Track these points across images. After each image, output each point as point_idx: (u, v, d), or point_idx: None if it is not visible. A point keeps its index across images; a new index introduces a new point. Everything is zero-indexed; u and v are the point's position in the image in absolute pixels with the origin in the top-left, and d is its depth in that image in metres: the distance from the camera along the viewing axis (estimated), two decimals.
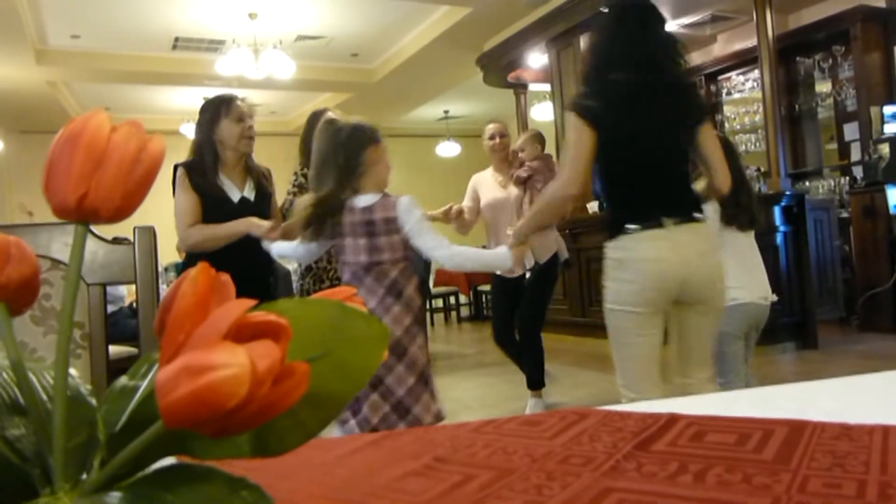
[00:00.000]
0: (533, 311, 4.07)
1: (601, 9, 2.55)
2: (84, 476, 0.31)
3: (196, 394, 0.24)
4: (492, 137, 4.09)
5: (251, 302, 0.27)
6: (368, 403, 2.29)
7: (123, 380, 0.35)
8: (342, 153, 2.34)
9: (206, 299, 0.27)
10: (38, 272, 0.34)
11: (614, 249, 2.25)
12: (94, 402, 0.34)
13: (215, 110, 2.80)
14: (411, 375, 2.32)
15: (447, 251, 2.36)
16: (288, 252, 2.65)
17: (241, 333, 0.26)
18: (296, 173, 3.33)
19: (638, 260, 2.19)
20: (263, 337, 0.27)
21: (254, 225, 2.65)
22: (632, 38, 2.26)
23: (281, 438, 0.31)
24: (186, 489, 0.29)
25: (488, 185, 4.11)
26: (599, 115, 2.19)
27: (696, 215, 2.24)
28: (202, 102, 2.94)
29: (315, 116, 3.25)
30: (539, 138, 4.25)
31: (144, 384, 0.33)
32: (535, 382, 4.10)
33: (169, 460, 0.31)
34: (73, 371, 0.36)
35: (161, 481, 0.29)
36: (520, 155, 4.12)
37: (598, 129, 2.19)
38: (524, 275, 4.04)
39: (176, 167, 2.77)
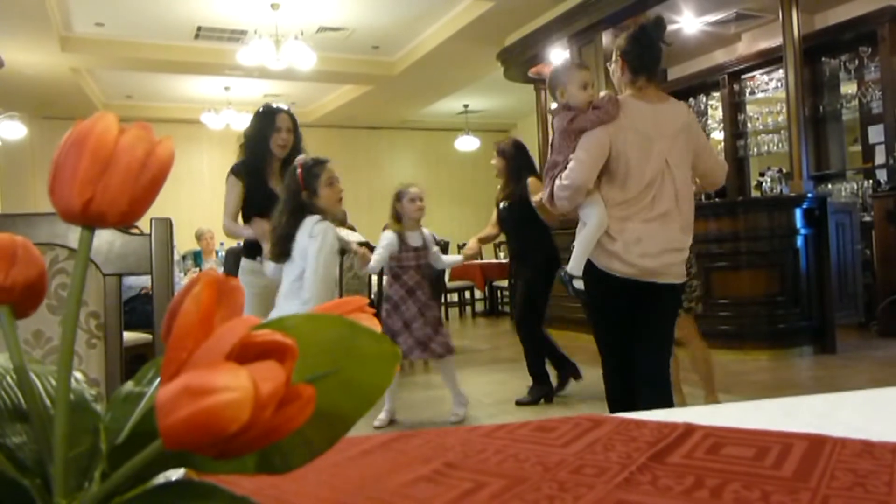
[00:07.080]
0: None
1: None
2: (86, 485, 0.30)
3: (196, 417, 0.23)
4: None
5: (256, 319, 0.26)
6: None
7: (129, 385, 0.34)
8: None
9: (210, 316, 0.26)
10: (44, 274, 0.33)
11: None
12: (98, 408, 0.33)
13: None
14: None
15: None
16: None
17: (246, 353, 0.26)
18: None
19: None
20: (268, 357, 0.26)
21: None
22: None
23: (286, 457, 0.30)
24: None
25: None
26: None
27: None
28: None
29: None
30: None
31: (149, 392, 0.32)
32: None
33: (174, 472, 0.30)
34: (78, 374, 0.35)
35: (161, 499, 0.28)
36: None
37: None
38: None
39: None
